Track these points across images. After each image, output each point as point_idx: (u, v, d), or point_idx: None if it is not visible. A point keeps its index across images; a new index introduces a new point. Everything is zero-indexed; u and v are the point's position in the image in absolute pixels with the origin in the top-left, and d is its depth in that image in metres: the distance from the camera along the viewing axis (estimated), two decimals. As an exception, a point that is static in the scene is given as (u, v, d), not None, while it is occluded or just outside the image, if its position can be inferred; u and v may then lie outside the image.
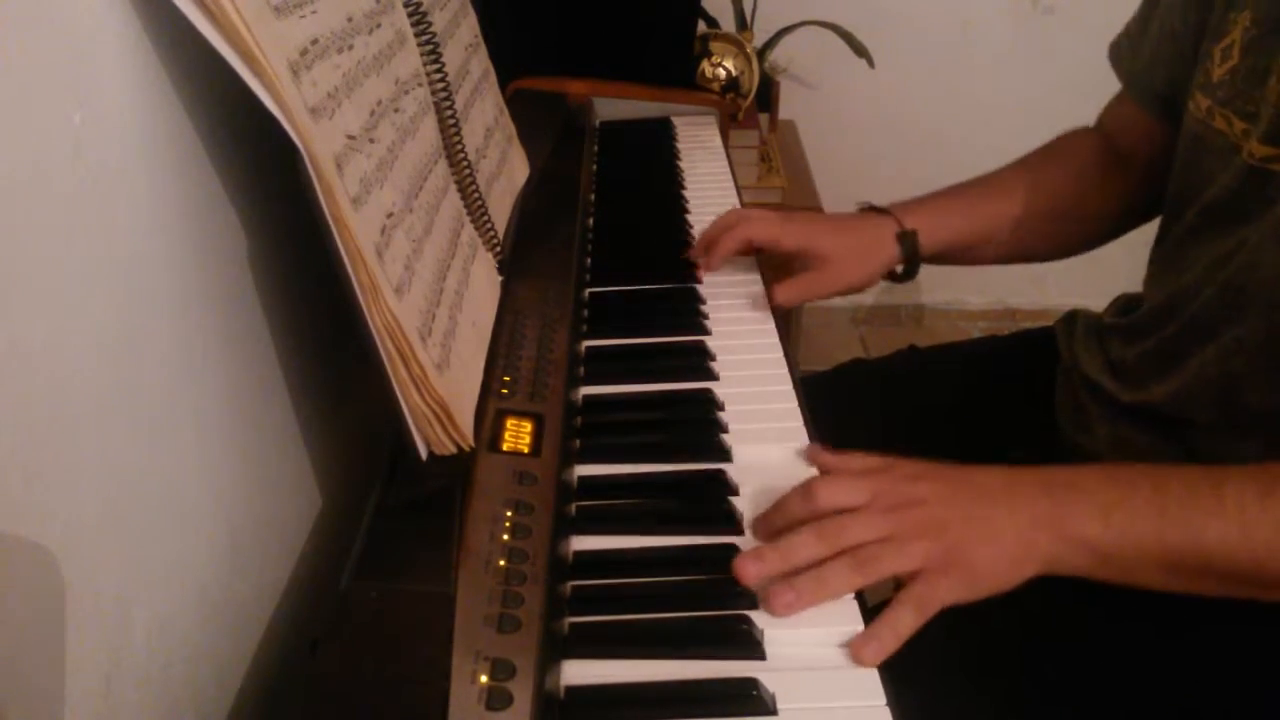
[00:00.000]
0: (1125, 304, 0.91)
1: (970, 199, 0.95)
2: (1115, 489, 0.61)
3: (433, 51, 0.72)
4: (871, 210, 0.93)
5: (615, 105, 1.28)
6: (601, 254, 0.96)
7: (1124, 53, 0.91)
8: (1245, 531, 0.58)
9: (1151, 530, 0.60)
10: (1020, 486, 0.62)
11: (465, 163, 0.76)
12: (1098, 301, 0.97)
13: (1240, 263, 0.72)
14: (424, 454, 0.58)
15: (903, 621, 0.57)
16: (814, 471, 0.67)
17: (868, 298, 2.36)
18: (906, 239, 0.90)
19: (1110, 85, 0.94)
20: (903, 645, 0.55)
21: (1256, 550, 0.58)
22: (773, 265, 0.93)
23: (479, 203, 0.78)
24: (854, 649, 0.55)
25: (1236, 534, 0.58)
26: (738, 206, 0.96)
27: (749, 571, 0.58)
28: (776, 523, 0.61)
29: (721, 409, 0.74)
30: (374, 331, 0.53)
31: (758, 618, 0.56)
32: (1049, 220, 0.95)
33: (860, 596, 0.58)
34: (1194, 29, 0.80)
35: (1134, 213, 0.96)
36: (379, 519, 0.56)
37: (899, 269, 0.92)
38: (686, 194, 1.09)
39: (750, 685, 0.51)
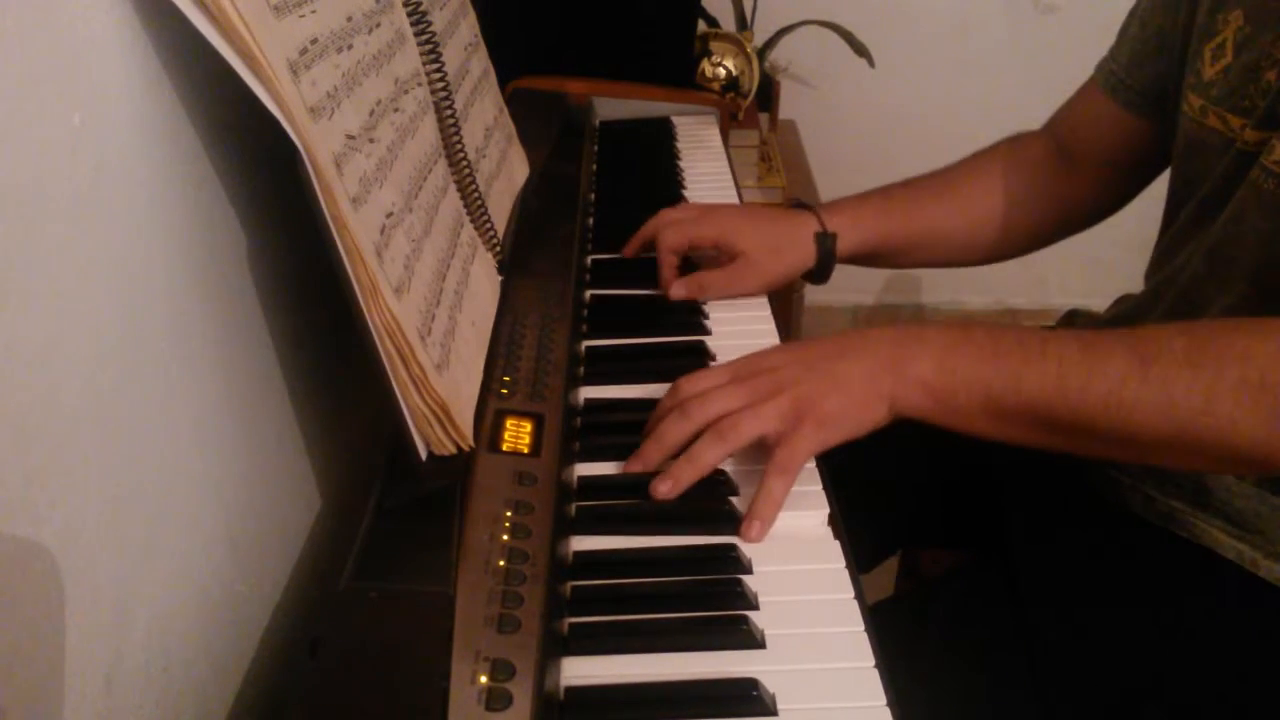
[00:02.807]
0: (1125, 302, 0.91)
1: (899, 202, 0.94)
2: (953, 337, 0.66)
3: (432, 51, 0.72)
4: (797, 206, 0.93)
5: (615, 105, 1.28)
6: (601, 254, 0.96)
7: (1106, 59, 0.91)
8: (1062, 379, 0.61)
9: (980, 374, 0.63)
10: (868, 339, 0.68)
11: (465, 162, 0.76)
12: (1098, 301, 0.97)
13: (1225, 233, 0.72)
14: (423, 454, 0.58)
15: (775, 490, 0.62)
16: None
17: (868, 297, 2.36)
18: (824, 240, 0.90)
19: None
20: (892, 650, 0.55)
21: (1069, 396, 0.61)
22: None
23: (479, 202, 0.78)
24: (742, 532, 0.61)
25: (1054, 380, 0.61)
26: (668, 206, 0.95)
27: (632, 468, 0.65)
28: (652, 424, 0.67)
29: (721, 409, 0.74)
30: (374, 331, 0.53)
31: (757, 618, 0.56)
32: (983, 226, 0.95)
33: (860, 597, 0.58)
34: (1181, 27, 0.80)
35: (1084, 214, 0.96)
36: (379, 519, 0.56)
37: (810, 266, 0.91)
38: (687, 194, 1.09)
39: (750, 685, 0.51)
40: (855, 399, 0.64)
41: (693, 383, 0.68)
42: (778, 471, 0.62)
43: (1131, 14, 0.89)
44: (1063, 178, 0.95)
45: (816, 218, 0.90)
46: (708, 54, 1.46)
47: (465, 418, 0.61)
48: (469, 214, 0.76)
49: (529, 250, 0.85)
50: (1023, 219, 0.96)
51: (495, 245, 0.80)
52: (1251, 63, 0.72)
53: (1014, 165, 0.96)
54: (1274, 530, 0.70)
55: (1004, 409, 0.63)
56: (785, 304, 0.89)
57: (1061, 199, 0.95)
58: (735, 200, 1.08)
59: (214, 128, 0.54)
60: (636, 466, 0.66)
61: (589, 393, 0.76)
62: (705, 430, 0.64)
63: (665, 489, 0.63)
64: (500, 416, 0.64)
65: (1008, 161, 0.96)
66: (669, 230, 0.89)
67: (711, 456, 0.63)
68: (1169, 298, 0.79)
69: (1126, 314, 0.86)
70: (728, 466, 0.67)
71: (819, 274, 0.91)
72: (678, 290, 0.86)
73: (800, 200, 0.94)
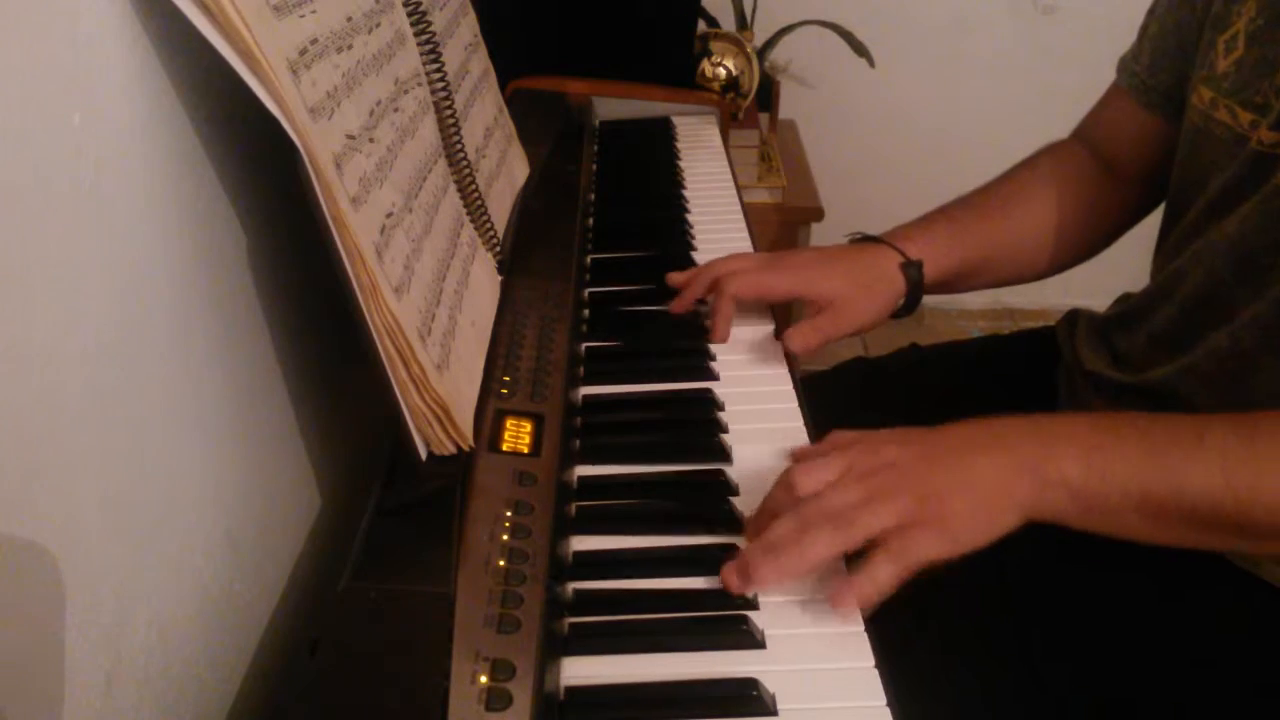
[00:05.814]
0: (1127, 300, 0.91)
1: (966, 223, 0.90)
2: (1098, 434, 0.60)
3: (432, 51, 0.72)
4: (866, 241, 0.87)
5: (615, 105, 1.28)
6: (601, 254, 0.96)
7: (1128, 60, 0.90)
8: (1228, 476, 0.57)
9: (1134, 474, 0.58)
10: (1001, 433, 0.61)
11: (465, 162, 0.76)
12: (1098, 301, 0.97)
13: (1253, 239, 0.71)
14: (424, 454, 0.58)
15: (881, 571, 0.56)
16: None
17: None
18: (910, 269, 0.84)
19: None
20: (897, 632, 0.55)
21: (1239, 495, 0.57)
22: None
23: (479, 202, 0.78)
24: (832, 597, 0.55)
25: (1219, 479, 0.57)
26: (729, 254, 0.87)
27: (736, 581, 0.57)
28: (765, 521, 0.60)
29: (721, 409, 0.74)
30: (374, 331, 0.53)
31: (757, 618, 0.56)
32: (1044, 241, 0.92)
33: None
34: (1197, 21, 0.80)
35: (1127, 221, 0.95)
36: (379, 519, 0.56)
37: (900, 302, 0.86)
38: (686, 194, 1.09)
39: (750, 685, 0.51)
40: (985, 502, 0.58)
41: (805, 476, 0.60)
42: (890, 557, 0.56)
43: (1150, 13, 0.88)
44: (1109, 187, 0.92)
45: (894, 249, 0.85)
46: (708, 54, 1.46)
47: (465, 418, 0.61)
48: (469, 214, 0.76)
49: (529, 250, 0.85)
50: (1079, 232, 0.93)
51: (495, 245, 0.80)
52: (1264, 57, 0.71)
53: (1064, 178, 0.93)
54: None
55: (1162, 510, 0.58)
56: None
57: (1111, 208, 0.93)
58: (736, 201, 1.08)
59: (214, 127, 0.54)
60: (739, 577, 0.58)
61: (589, 392, 0.76)
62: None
63: (765, 572, 0.57)
64: (500, 416, 0.64)
65: (1057, 174, 0.93)
66: (734, 280, 0.81)
67: (822, 550, 0.57)
68: (1180, 299, 0.78)
69: (1131, 311, 0.86)
70: (729, 468, 0.68)
71: (907, 307, 0.86)
72: (798, 346, 0.79)
73: (864, 234, 0.88)
